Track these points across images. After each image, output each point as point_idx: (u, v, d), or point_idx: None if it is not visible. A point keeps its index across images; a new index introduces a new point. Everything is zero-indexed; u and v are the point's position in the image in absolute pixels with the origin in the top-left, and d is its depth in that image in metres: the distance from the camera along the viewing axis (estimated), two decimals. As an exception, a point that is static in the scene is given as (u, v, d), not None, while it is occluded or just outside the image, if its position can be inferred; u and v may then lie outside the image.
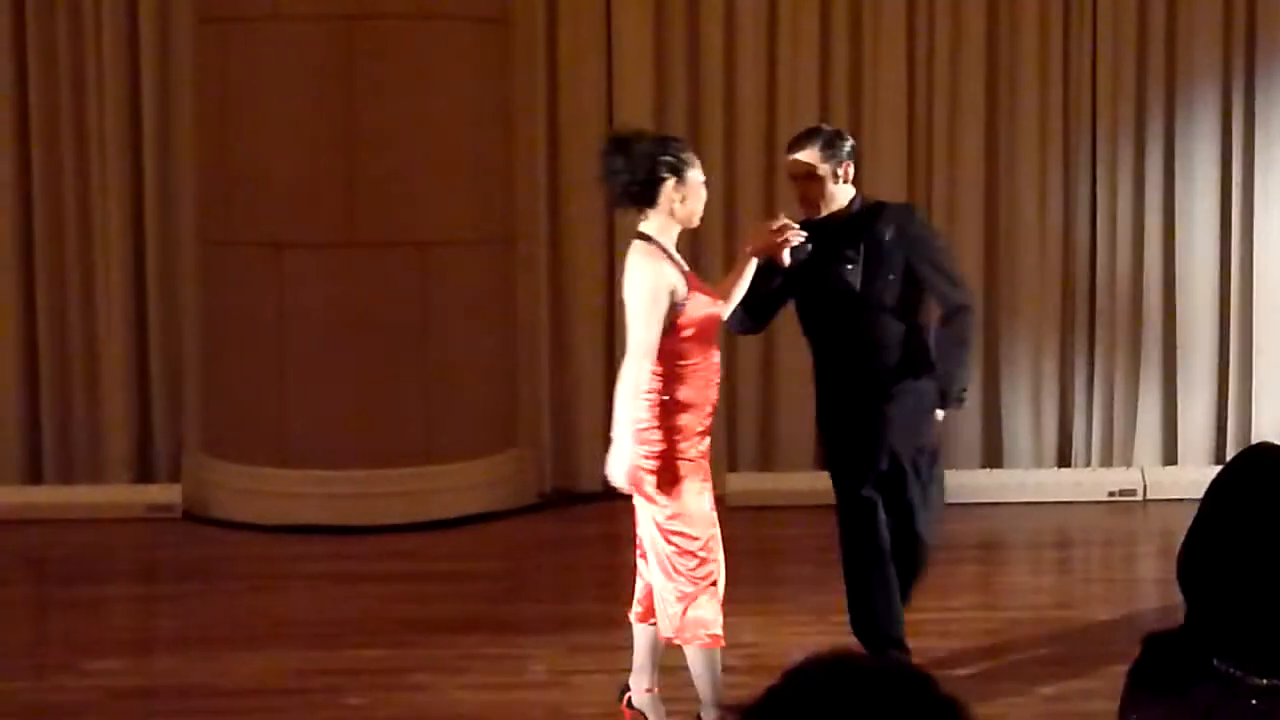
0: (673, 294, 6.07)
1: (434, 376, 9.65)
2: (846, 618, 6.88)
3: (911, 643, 6.89)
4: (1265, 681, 2.79)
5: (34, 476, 10.25)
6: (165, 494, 9.97)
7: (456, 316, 9.67)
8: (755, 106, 10.31)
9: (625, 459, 6.12)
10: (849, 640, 6.70)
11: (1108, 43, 10.34)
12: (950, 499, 7.39)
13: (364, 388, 9.53)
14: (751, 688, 5.73)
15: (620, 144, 6.21)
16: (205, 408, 9.99)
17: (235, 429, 9.79)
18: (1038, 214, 10.37)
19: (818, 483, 7.61)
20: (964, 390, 6.82)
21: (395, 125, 9.45)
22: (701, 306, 6.15)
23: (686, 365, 6.12)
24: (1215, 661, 2.81)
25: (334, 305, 9.49)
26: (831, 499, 6.84)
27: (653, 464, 6.12)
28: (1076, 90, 10.39)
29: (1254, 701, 2.78)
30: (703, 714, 6.32)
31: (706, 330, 6.18)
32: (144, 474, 10.24)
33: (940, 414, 6.80)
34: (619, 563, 9.63)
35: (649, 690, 6.46)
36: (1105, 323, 10.46)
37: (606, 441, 10.10)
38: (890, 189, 10.17)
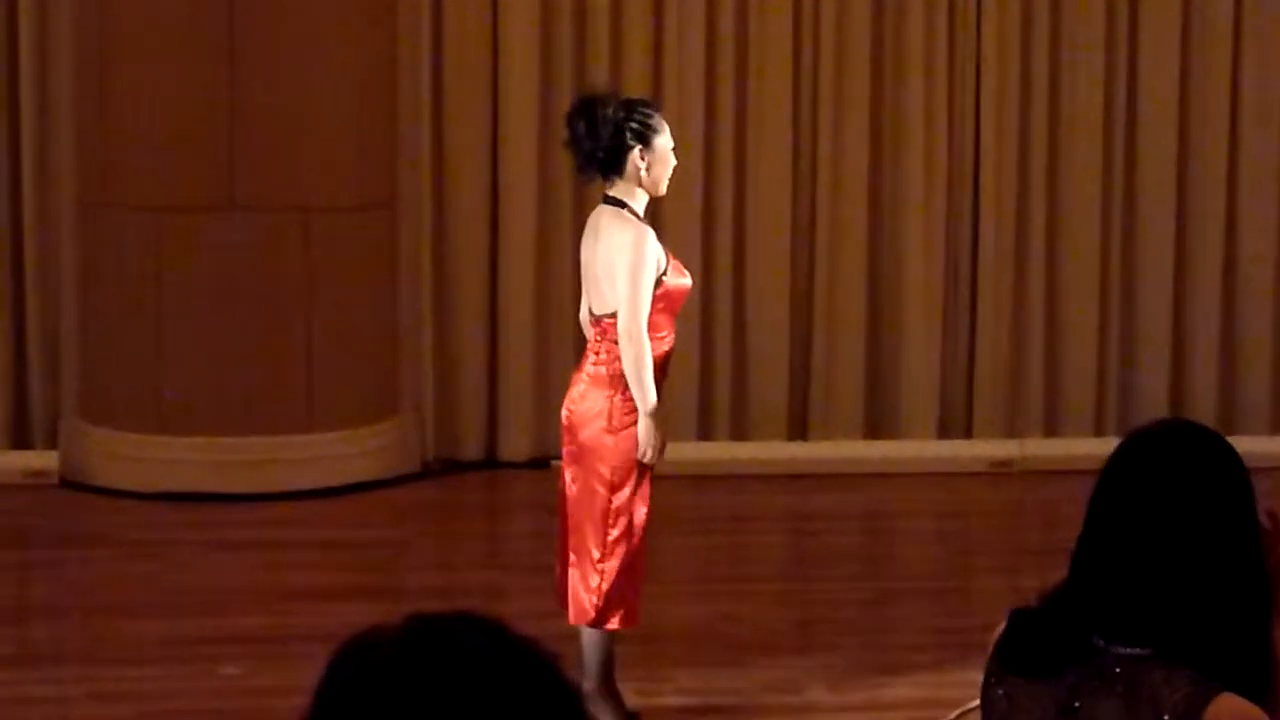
0: (657, 264, 5.93)
1: (315, 343, 9.56)
2: None
3: (795, 614, 6.91)
4: (1127, 650, 2.83)
5: (-94, 442, 10.08)
6: (42, 460, 9.81)
7: (338, 283, 9.57)
8: (641, 69, 10.26)
9: (653, 434, 5.88)
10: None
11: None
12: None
13: (244, 354, 9.43)
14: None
15: (585, 108, 5.97)
16: (83, 373, 9.85)
17: (114, 395, 9.66)
18: (924, 189, 10.39)
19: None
20: None
21: (276, 88, 9.34)
22: (676, 278, 6.04)
23: (656, 338, 5.95)
24: (1094, 638, 2.85)
25: (213, 270, 9.38)
26: None
27: (611, 439, 5.92)
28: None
29: (1117, 669, 2.82)
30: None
31: (677, 302, 6.08)
32: (20, 440, 10.08)
33: None
34: (502, 531, 9.64)
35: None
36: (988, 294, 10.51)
37: (490, 410, 10.25)
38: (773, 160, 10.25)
